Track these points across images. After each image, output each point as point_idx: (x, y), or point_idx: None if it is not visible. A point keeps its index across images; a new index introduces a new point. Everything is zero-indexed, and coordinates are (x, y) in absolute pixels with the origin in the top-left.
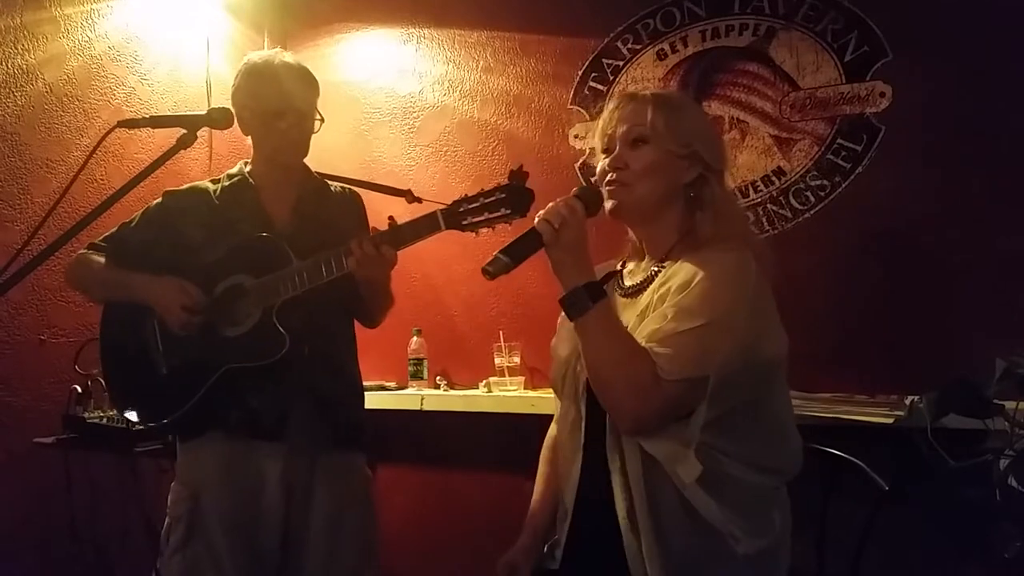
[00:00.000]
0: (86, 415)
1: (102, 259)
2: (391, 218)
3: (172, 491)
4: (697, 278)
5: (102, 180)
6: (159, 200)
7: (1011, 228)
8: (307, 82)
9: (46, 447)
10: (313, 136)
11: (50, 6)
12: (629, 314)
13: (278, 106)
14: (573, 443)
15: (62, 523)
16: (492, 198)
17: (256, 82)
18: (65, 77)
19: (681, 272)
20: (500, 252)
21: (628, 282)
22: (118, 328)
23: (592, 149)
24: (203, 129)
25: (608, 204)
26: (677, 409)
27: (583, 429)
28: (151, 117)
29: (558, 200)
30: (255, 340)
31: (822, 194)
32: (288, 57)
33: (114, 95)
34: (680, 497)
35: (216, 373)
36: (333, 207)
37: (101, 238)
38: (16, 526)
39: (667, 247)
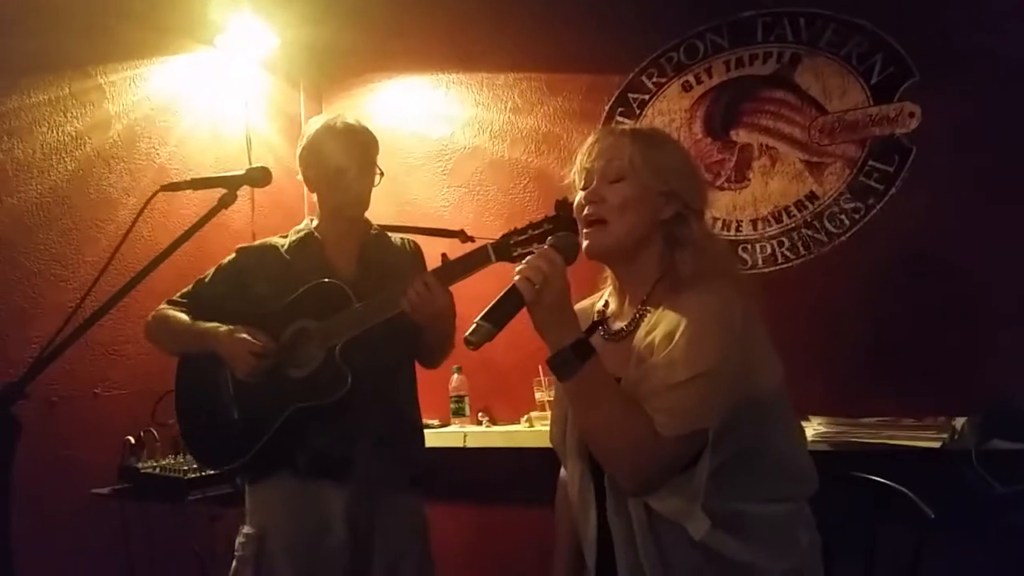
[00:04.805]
0: (140, 465)
1: (179, 313)
2: (444, 255)
3: (240, 533)
4: (681, 327)
5: (149, 238)
6: (232, 256)
7: None
8: (366, 140)
9: (103, 498)
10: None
11: (96, 75)
12: (617, 362)
13: (339, 164)
14: (585, 503)
15: (121, 573)
16: (540, 229)
17: (319, 144)
18: (111, 140)
19: (664, 321)
20: (481, 318)
21: (614, 326)
22: (192, 378)
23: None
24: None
25: (585, 243)
26: (678, 464)
27: (593, 487)
28: (192, 180)
29: (535, 253)
30: (319, 380)
31: (856, 216)
32: (350, 119)
33: (157, 155)
34: (692, 540)
35: (283, 415)
36: (393, 256)
37: (179, 294)
38: None
39: (647, 287)
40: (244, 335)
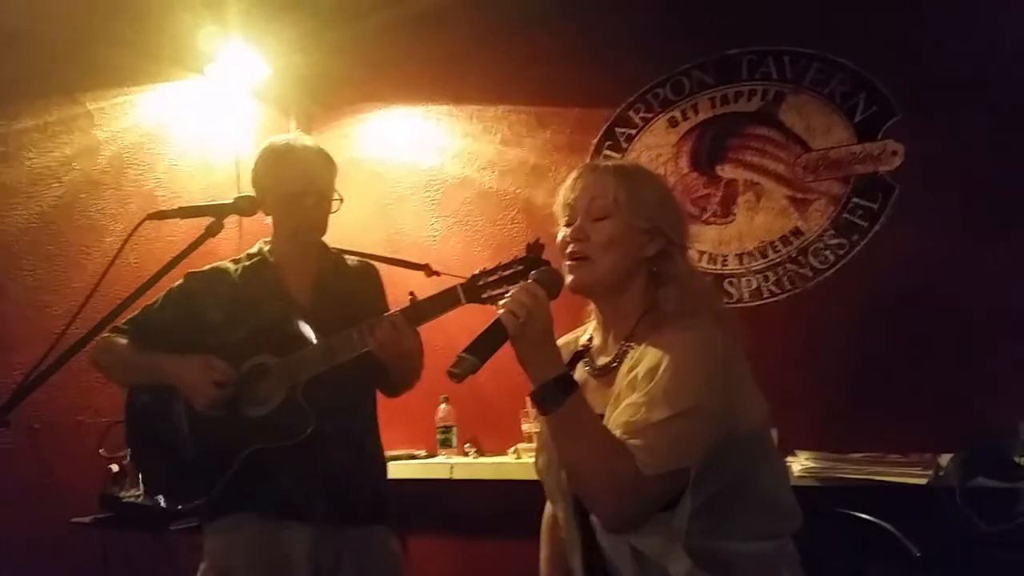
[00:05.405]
0: (122, 494)
1: (126, 341)
2: (412, 294)
3: (201, 572)
4: (664, 363)
5: (135, 264)
6: (181, 282)
7: None
8: (325, 163)
9: (84, 526)
10: (340, 212)
11: (84, 101)
12: (601, 398)
13: (299, 187)
14: (571, 539)
15: None
16: (510, 270)
17: (277, 165)
18: (99, 167)
19: (647, 357)
20: (464, 351)
21: (598, 361)
22: (144, 411)
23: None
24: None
25: (569, 279)
26: (659, 502)
27: (578, 523)
28: (179, 208)
29: (519, 287)
30: (281, 419)
31: (841, 252)
32: (307, 140)
33: (146, 181)
34: None
35: (243, 454)
36: (351, 281)
37: (124, 321)
38: None
39: (631, 323)
40: (202, 363)
